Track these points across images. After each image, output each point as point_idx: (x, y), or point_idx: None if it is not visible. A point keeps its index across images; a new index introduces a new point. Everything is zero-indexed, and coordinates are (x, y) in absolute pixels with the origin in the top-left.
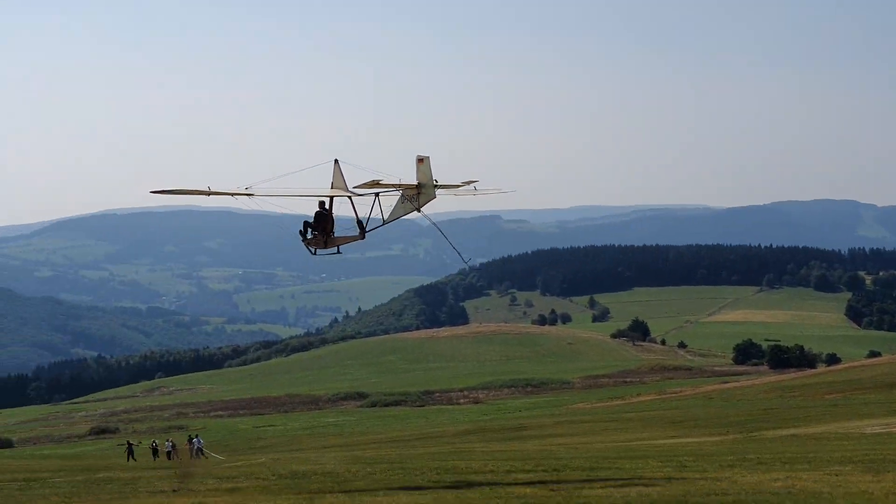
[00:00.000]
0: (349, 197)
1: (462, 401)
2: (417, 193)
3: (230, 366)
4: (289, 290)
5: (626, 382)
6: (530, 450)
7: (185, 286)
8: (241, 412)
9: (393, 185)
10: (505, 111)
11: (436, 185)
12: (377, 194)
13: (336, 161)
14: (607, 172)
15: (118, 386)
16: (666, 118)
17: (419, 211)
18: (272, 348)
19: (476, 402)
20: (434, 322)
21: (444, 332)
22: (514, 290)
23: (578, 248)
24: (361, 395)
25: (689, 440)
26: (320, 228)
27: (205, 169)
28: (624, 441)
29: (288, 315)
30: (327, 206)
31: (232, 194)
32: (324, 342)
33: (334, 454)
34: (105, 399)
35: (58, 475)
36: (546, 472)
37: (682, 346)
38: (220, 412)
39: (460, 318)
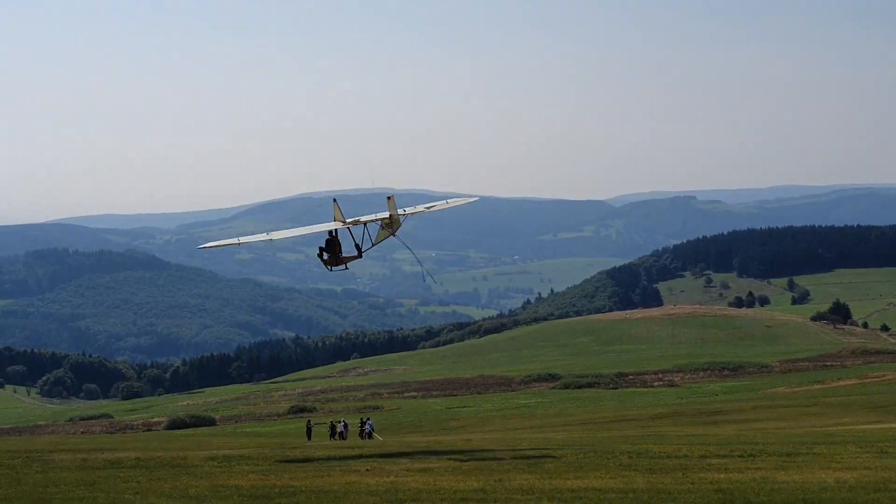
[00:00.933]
0: (347, 227)
1: (656, 384)
2: (390, 223)
3: (423, 347)
4: (481, 272)
5: (825, 366)
6: (726, 434)
7: (379, 268)
8: (433, 393)
9: (372, 220)
10: (701, 88)
11: (402, 215)
12: (365, 224)
13: (335, 200)
14: (807, 152)
15: (315, 366)
16: (868, 93)
17: (394, 235)
18: (465, 330)
19: (671, 384)
20: (627, 304)
21: (638, 313)
22: (709, 272)
23: (776, 228)
24: (554, 377)
25: (891, 426)
26: (331, 251)
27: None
28: (822, 426)
29: (480, 297)
30: (335, 234)
31: (256, 241)
32: (516, 324)
33: (526, 436)
34: (303, 379)
35: (257, 452)
36: (741, 457)
37: (884, 329)
38: (414, 393)
39: (654, 299)
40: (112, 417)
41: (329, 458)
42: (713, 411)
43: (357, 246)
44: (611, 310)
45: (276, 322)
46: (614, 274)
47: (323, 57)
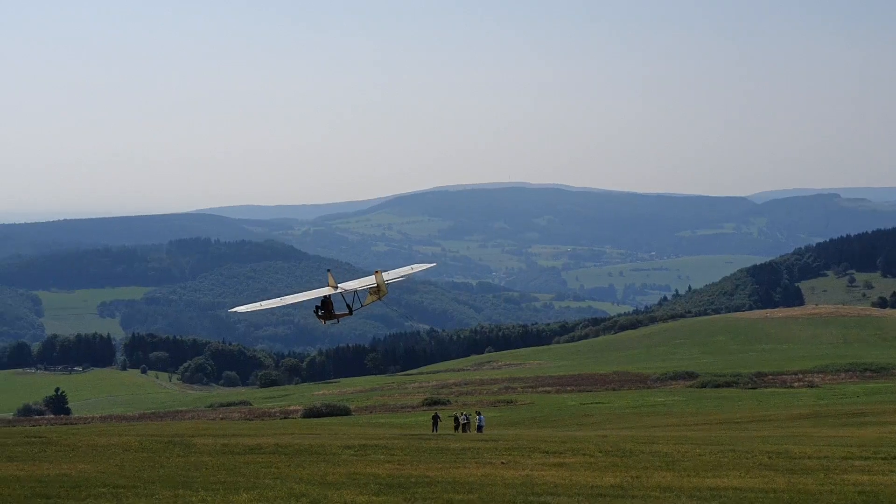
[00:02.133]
0: (340, 293)
1: (796, 384)
2: (377, 289)
3: (558, 342)
4: (617, 268)
5: None
6: (868, 436)
7: (514, 262)
8: (568, 388)
9: (361, 287)
10: (846, 84)
11: (387, 282)
12: (355, 291)
13: (329, 270)
14: None
15: (449, 359)
16: None
17: (380, 300)
18: (600, 325)
19: (811, 385)
20: (767, 302)
21: (778, 312)
22: (852, 271)
23: None
24: (691, 375)
25: None
26: (325, 310)
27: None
28: None
29: (616, 292)
30: (328, 298)
31: (255, 310)
32: (653, 320)
33: (662, 433)
34: (437, 371)
35: (392, 443)
36: (885, 459)
37: None
38: (548, 387)
39: (795, 298)
40: (250, 404)
41: (464, 450)
42: (854, 413)
43: (349, 306)
44: (750, 308)
45: (412, 314)
46: (755, 272)
47: (458, 50)
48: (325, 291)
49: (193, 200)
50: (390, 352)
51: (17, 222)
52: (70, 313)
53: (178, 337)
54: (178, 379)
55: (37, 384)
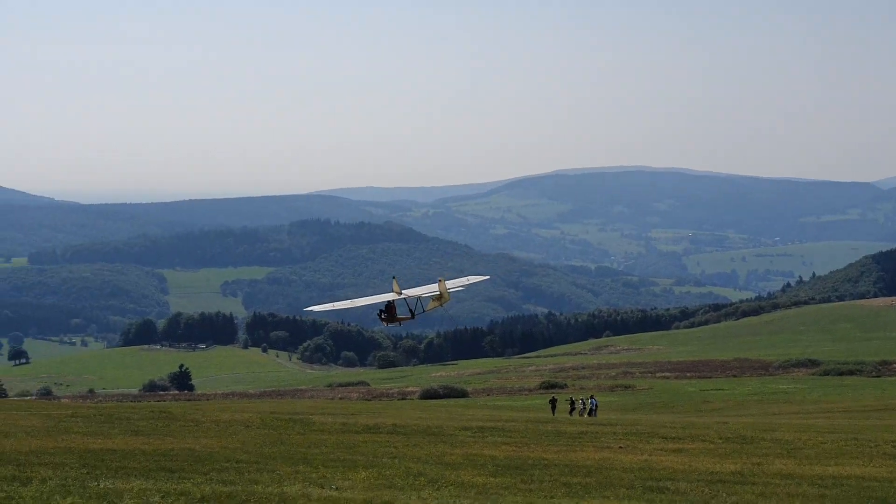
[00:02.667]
0: (403, 298)
1: None
2: (439, 297)
3: (677, 327)
4: (739, 253)
5: None
6: None
7: (633, 246)
8: (687, 374)
9: (425, 294)
10: None
11: (449, 290)
12: (419, 297)
13: (394, 277)
14: None
15: (567, 343)
16: None
17: (442, 306)
18: (721, 311)
19: None
20: (893, 290)
21: None
22: None
23: None
24: (813, 363)
25: None
26: (388, 313)
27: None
28: None
29: (738, 278)
30: (393, 302)
31: (328, 310)
32: (775, 307)
33: (784, 421)
34: (554, 355)
35: (509, 425)
36: None
37: None
38: (667, 373)
39: None
40: (368, 385)
41: (581, 434)
42: None
43: (411, 310)
44: (875, 296)
45: (530, 297)
46: (881, 259)
47: (579, 32)
48: (391, 297)
49: (314, 182)
50: (508, 335)
51: (143, 202)
52: (194, 292)
53: (298, 317)
54: (297, 358)
55: (162, 360)
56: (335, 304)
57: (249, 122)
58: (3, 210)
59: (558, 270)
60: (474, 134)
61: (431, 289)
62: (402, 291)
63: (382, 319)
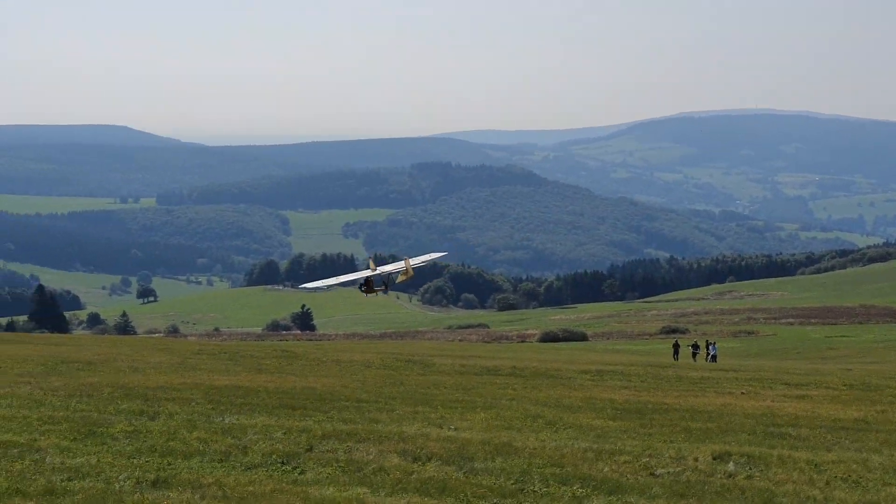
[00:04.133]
0: (378, 273)
1: None
2: (406, 272)
3: (803, 273)
4: (867, 198)
5: None
6: None
7: (759, 191)
8: (812, 320)
9: (394, 269)
10: None
11: (413, 267)
12: (389, 273)
13: (370, 257)
14: None
15: (688, 287)
16: None
17: (407, 280)
18: (848, 257)
19: None
20: None
21: None
22: None
23: None
24: None
25: None
26: (367, 286)
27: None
28: None
29: (865, 223)
30: (371, 276)
31: (319, 286)
32: None
33: None
34: (676, 300)
35: (629, 369)
36: None
37: None
38: (791, 319)
39: None
40: (488, 327)
41: (703, 380)
42: None
43: (384, 283)
44: None
45: (651, 241)
46: None
47: None
48: (368, 273)
49: (435, 124)
50: (628, 279)
51: (267, 144)
52: (316, 233)
53: None
54: (418, 300)
55: (284, 300)
56: (325, 280)
57: (372, 64)
58: (133, 152)
59: (681, 214)
60: (597, 76)
61: (399, 265)
62: (377, 268)
63: (363, 291)
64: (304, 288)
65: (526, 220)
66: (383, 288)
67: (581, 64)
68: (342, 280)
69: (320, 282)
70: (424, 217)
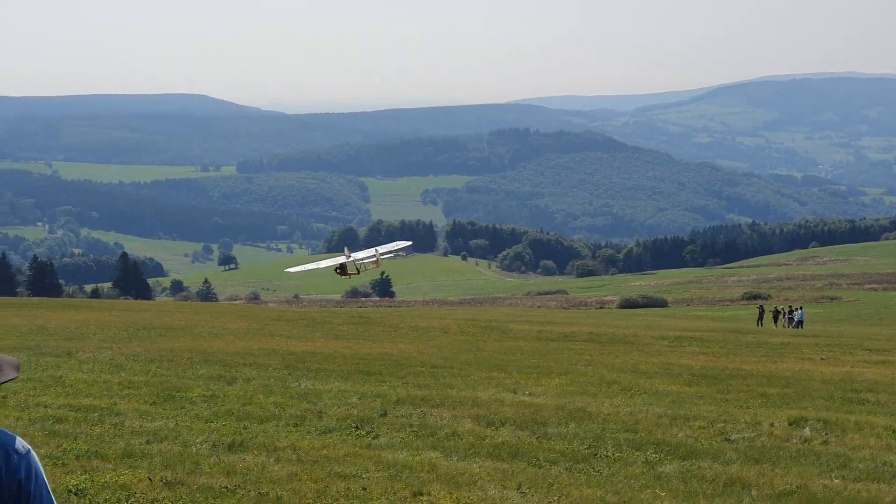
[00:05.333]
0: (352, 261)
1: None
2: (376, 261)
3: (887, 238)
4: None
5: None
6: None
7: (841, 155)
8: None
9: (367, 258)
10: None
11: (382, 256)
12: (355, 261)
13: (346, 247)
14: None
15: (770, 253)
16: None
17: (378, 266)
18: None
19: None
20: None
21: None
22: None
23: None
24: None
25: None
26: (342, 270)
27: None
28: None
29: None
30: (346, 261)
31: (301, 271)
32: None
33: None
34: (758, 266)
35: (708, 335)
36: None
37: None
38: (874, 285)
39: None
40: (566, 293)
41: (782, 345)
42: None
43: (357, 269)
44: None
45: (732, 207)
46: None
47: None
48: (343, 259)
49: (513, 91)
50: (709, 244)
51: (345, 112)
52: (394, 200)
53: (497, 225)
54: (496, 266)
55: None
56: (306, 265)
57: (450, 31)
58: (213, 120)
59: (763, 179)
60: (677, 40)
61: (370, 254)
62: (351, 255)
63: (338, 273)
64: (288, 272)
65: (605, 186)
66: (356, 272)
67: (661, 28)
68: (321, 266)
69: (301, 266)
70: (503, 184)
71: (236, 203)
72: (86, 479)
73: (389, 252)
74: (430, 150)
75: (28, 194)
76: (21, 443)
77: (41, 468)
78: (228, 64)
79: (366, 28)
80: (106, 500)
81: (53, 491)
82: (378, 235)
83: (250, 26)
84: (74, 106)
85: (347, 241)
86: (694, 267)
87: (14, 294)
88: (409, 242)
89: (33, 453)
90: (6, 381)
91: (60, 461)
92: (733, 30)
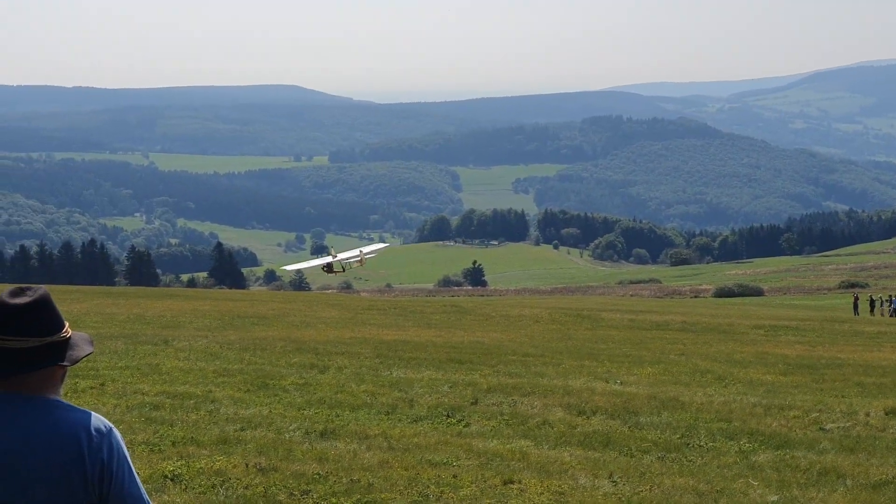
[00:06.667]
0: (339, 260)
1: None
2: (360, 261)
3: None
4: None
5: None
6: None
7: None
8: None
9: (349, 258)
10: None
11: (366, 256)
12: (340, 261)
13: (332, 246)
14: None
15: (868, 241)
16: None
17: (362, 265)
18: None
19: None
20: None
21: None
22: None
23: None
24: None
25: None
26: (327, 268)
27: None
28: None
29: None
30: (332, 261)
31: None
32: None
33: None
34: (855, 254)
35: (804, 324)
36: None
37: None
38: None
39: None
40: (660, 282)
41: (880, 334)
42: None
43: (343, 267)
44: None
45: (829, 194)
46: None
47: None
48: (329, 259)
49: (605, 78)
50: (806, 232)
51: (436, 101)
52: (486, 189)
53: (589, 214)
54: (588, 255)
55: (455, 256)
56: (300, 264)
57: (540, 19)
58: (306, 110)
59: (861, 166)
60: (773, 26)
61: (354, 254)
62: (336, 255)
63: (325, 272)
64: (285, 270)
65: (700, 174)
66: (342, 270)
67: (755, 13)
68: (312, 265)
69: (296, 265)
70: (595, 172)
71: (329, 193)
72: (181, 464)
73: (372, 252)
74: (522, 139)
75: (126, 185)
76: (101, 421)
77: (124, 446)
78: (321, 54)
79: (457, 17)
80: (201, 486)
81: (150, 476)
82: (470, 225)
83: (342, 17)
84: (171, 98)
85: (439, 229)
86: (790, 255)
87: (113, 283)
88: (387, 244)
89: (115, 431)
90: (84, 356)
91: (157, 447)
92: (830, 15)
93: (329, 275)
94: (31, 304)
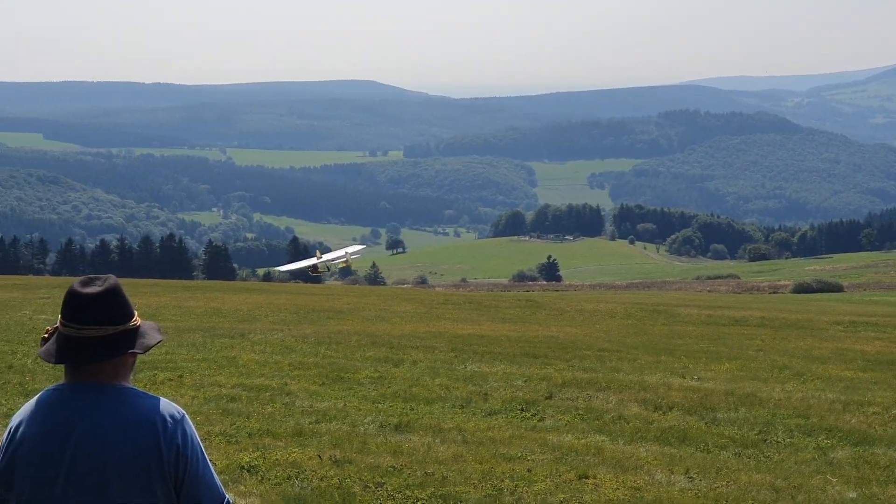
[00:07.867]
0: (324, 261)
1: None
2: (345, 262)
3: None
4: None
5: None
6: None
7: None
8: None
9: (334, 260)
10: None
11: (351, 257)
12: (326, 261)
13: (318, 249)
14: None
15: None
16: None
17: (348, 266)
18: None
19: None
20: None
21: None
22: None
23: None
24: None
25: None
26: (312, 269)
27: None
28: None
29: None
30: (317, 262)
31: (290, 269)
32: None
33: None
34: None
35: (884, 320)
36: None
37: None
38: None
39: None
40: (738, 278)
41: None
42: None
43: (328, 268)
44: None
45: None
46: None
47: None
48: (314, 261)
49: (682, 72)
50: (887, 227)
51: (511, 96)
52: (561, 184)
53: (665, 209)
54: (665, 250)
55: (530, 251)
56: (289, 265)
57: (616, 13)
58: (381, 105)
59: None
60: (852, 18)
61: (340, 254)
62: (322, 256)
63: (310, 273)
64: (279, 270)
65: (778, 169)
66: (326, 270)
67: (834, 5)
68: (299, 266)
69: (287, 266)
70: (671, 167)
71: (404, 187)
72: (258, 456)
73: (356, 253)
74: (597, 134)
75: (203, 180)
76: (174, 406)
77: (195, 432)
78: (396, 49)
79: (531, 12)
80: (277, 477)
81: (227, 467)
82: (545, 219)
83: (417, 12)
84: (248, 94)
85: (514, 224)
86: (871, 251)
87: (191, 277)
88: (365, 246)
89: (187, 417)
90: (155, 345)
91: (234, 439)
92: None
93: (313, 275)
94: (102, 294)
